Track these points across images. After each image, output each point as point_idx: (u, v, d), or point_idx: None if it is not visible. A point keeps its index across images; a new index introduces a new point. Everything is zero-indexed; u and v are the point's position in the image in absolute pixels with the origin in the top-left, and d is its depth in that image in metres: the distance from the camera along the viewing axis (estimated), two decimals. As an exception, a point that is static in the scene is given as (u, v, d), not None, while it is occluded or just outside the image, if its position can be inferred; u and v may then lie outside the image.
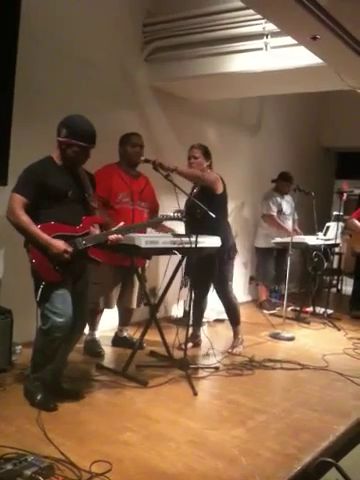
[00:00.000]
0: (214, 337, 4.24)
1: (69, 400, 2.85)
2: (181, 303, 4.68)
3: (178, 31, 4.30)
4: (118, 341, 4.05)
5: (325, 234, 5.66)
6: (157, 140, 4.75)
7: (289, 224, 5.34)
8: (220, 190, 3.90)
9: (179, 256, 3.47)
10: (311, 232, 5.54)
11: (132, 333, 4.00)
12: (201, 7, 4.14)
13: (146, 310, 3.74)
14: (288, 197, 5.88)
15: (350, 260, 6.65)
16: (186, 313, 4.02)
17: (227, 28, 4.03)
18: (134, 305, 3.95)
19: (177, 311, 4.50)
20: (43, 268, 2.70)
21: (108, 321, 4.12)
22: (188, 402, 3.05)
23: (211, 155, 3.99)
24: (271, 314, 5.60)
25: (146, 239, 3.21)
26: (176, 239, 3.38)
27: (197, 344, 4.18)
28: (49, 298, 2.70)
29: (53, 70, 3.78)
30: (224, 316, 4.43)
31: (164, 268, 3.60)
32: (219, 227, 3.81)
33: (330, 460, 2.40)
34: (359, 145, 7.24)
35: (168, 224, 3.77)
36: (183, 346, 3.53)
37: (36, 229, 2.66)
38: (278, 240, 5.48)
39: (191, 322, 3.91)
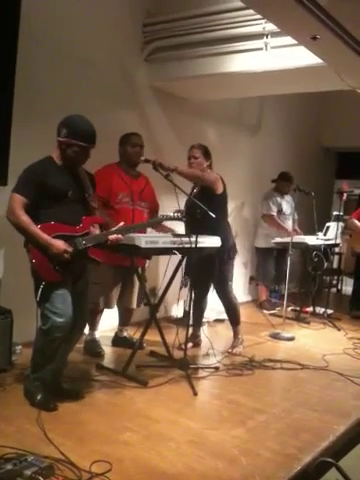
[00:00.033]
0: (214, 337, 4.24)
1: (69, 400, 2.85)
2: (181, 303, 4.68)
3: (178, 31, 4.30)
4: (118, 341, 4.05)
5: (325, 234, 5.66)
6: (157, 140, 4.75)
7: (289, 224, 5.34)
8: (220, 190, 3.90)
9: (179, 256, 3.47)
10: (311, 232, 5.54)
11: (132, 333, 4.00)
12: (201, 7, 4.14)
13: (146, 310, 3.74)
14: (288, 197, 5.88)
15: (350, 260, 6.65)
16: (186, 313, 4.02)
17: (227, 28, 4.03)
18: (134, 305, 3.95)
19: (177, 311, 4.50)
20: (43, 268, 2.70)
21: (108, 321, 4.12)
22: (188, 402, 3.05)
23: (211, 155, 3.99)
24: (271, 314, 5.61)
25: (146, 239, 3.21)
26: (176, 239, 3.38)
27: (197, 344, 4.18)
28: (49, 298, 2.70)
29: (53, 70, 3.78)
30: (224, 316, 4.43)
31: (164, 268, 3.60)
32: (219, 227, 3.81)
33: (330, 460, 2.40)
34: (359, 145, 7.24)
35: (168, 224, 3.77)
36: (183, 346, 3.53)
37: (36, 229, 2.66)
38: (278, 240, 5.48)
39: (191, 322, 3.91)
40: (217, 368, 3.62)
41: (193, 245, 3.32)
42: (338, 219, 5.74)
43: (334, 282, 7.19)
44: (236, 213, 6.04)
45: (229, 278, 4.02)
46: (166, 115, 4.93)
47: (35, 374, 2.83)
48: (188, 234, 3.44)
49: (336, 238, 5.73)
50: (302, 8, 2.66)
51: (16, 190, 2.70)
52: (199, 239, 3.36)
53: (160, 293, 3.70)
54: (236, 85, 4.68)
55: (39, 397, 2.75)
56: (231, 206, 4.56)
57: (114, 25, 4.27)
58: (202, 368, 3.61)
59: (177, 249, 3.35)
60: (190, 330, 3.79)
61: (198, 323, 4.21)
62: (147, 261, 3.87)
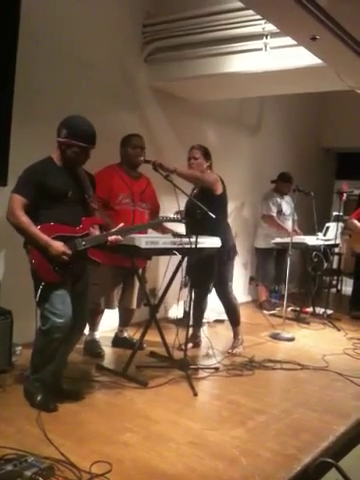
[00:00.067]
0: (214, 337, 4.24)
1: (69, 401, 2.85)
2: (181, 304, 4.68)
3: (178, 31, 4.30)
4: (118, 342, 4.05)
5: (325, 234, 5.66)
6: (157, 140, 4.75)
7: (289, 224, 5.34)
8: (220, 191, 3.90)
9: (179, 257, 3.47)
10: (311, 232, 5.54)
11: (132, 334, 4.00)
12: (201, 8, 4.13)
13: (146, 310, 3.74)
14: (288, 197, 5.88)
15: (350, 260, 6.65)
16: (186, 314, 4.02)
17: (227, 28, 4.03)
18: (134, 305, 3.95)
19: (177, 312, 4.50)
20: (43, 269, 2.70)
21: (108, 322, 4.12)
22: (188, 402, 3.05)
23: (211, 156, 3.99)
24: (271, 314, 5.61)
25: (146, 239, 3.22)
26: (176, 239, 3.38)
27: (197, 344, 4.18)
28: (48, 299, 2.70)
29: (53, 70, 3.78)
30: (224, 316, 4.43)
31: (164, 269, 3.60)
32: (219, 228, 3.81)
33: (330, 460, 2.40)
34: (359, 145, 7.24)
35: (168, 225, 3.77)
36: (183, 346, 3.53)
37: (36, 230, 2.66)
38: (278, 240, 5.48)
39: (191, 322, 3.91)
40: (217, 368, 3.62)
41: (193, 246, 3.32)
42: (338, 219, 5.74)
43: (334, 282, 7.19)
44: (236, 213, 6.04)
45: (229, 279, 4.02)
46: (166, 115, 4.93)
47: (35, 375, 2.82)
48: (188, 235, 3.44)
49: (336, 238, 5.73)
50: (301, 8, 2.66)
51: (16, 190, 2.70)
52: (199, 240, 3.36)
53: (160, 294, 3.70)
54: (236, 85, 4.68)
55: (39, 398, 2.75)
56: (231, 206, 4.57)
57: (114, 25, 4.27)
58: (202, 368, 3.61)
59: (177, 250, 3.35)
60: (190, 330, 3.79)
61: (198, 323, 4.21)
62: (147, 262, 3.87)
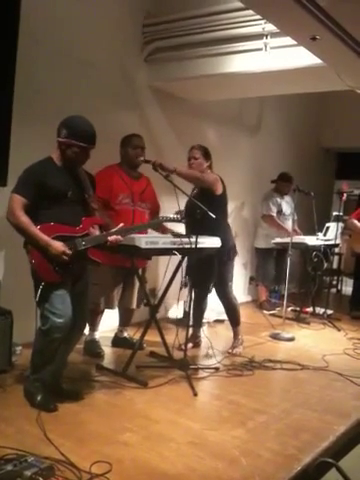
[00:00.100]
0: (214, 337, 4.24)
1: (69, 401, 2.85)
2: (181, 304, 4.68)
3: (178, 31, 4.29)
4: (118, 342, 4.05)
5: (325, 234, 5.66)
6: (157, 140, 4.75)
7: (289, 224, 5.34)
8: (220, 191, 3.90)
9: (179, 257, 3.47)
10: (311, 232, 5.54)
11: (132, 334, 4.00)
12: (201, 8, 4.14)
13: (146, 311, 3.74)
14: (288, 198, 5.88)
15: (350, 260, 6.65)
16: (186, 314, 4.02)
17: (227, 28, 4.02)
18: (134, 305, 3.94)
19: (177, 312, 4.50)
20: (43, 269, 2.70)
21: (108, 322, 4.12)
22: (188, 403, 3.05)
23: (211, 156, 3.99)
24: (271, 314, 5.61)
25: (146, 239, 3.22)
26: (176, 239, 3.38)
27: (197, 344, 4.18)
28: (48, 298, 2.70)
29: (53, 70, 3.78)
30: (224, 317, 4.43)
31: (164, 269, 3.60)
32: (219, 228, 3.81)
33: (330, 460, 2.40)
34: (359, 145, 7.24)
35: (169, 225, 3.77)
36: (183, 346, 3.53)
37: (36, 230, 2.66)
38: (278, 240, 5.48)
39: (191, 322, 3.91)
40: (217, 368, 3.62)
41: (193, 246, 3.32)
42: (338, 219, 5.74)
43: (334, 282, 7.19)
44: (236, 213, 6.04)
45: (229, 279, 4.02)
46: (166, 115, 4.93)
47: (35, 375, 2.82)
48: (188, 235, 3.44)
49: (336, 238, 5.73)
50: (301, 8, 2.66)
51: (16, 191, 2.70)
52: (199, 240, 3.36)
53: (160, 294, 3.70)
54: (236, 85, 4.68)
55: (39, 398, 2.75)
56: (231, 206, 4.57)
57: (114, 25, 4.27)
58: (202, 368, 3.61)
59: (177, 250, 3.35)
60: (190, 330, 3.79)
61: (198, 323, 4.21)
62: (147, 262, 3.86)
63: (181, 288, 3.56)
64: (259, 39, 3.90)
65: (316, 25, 2.85)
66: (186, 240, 3.34)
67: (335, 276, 7.28)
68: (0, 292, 3.45)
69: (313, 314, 5.60)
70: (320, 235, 5.59)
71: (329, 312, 5.53)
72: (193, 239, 3.32)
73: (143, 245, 3.16)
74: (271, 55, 3.89)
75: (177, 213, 3.56)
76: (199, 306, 4.13)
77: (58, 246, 2.65)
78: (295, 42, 3.43)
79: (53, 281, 2.70)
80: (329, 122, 7.69)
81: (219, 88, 4.74)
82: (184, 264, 3.60)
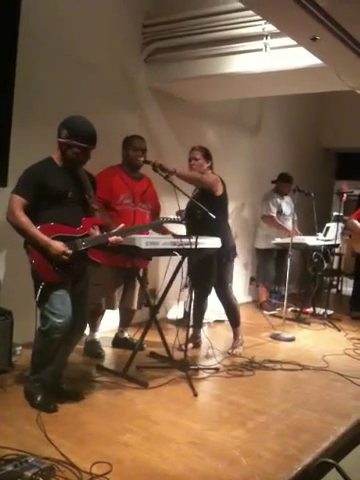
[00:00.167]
0: (214, 338, 4.24)
1: (69, 401, 2.85)
2: (181, 304, 4.67)
3: (178, 32, 4.30)
4: (118, 342, 4.05)
5: (325, 235, 5.66)
6: (157, 141, 4.75)
7: (289, 225, 5.34)
8: (220, 191, 3.90)
9: (179, 257, 3.47)
10: (311, 233, 5.54)
11: (132, 334, 4.00)
12: (200, 8, 4.14)
13: (146, 311, 3.73)
14: (288, 198, 5.88)
15: (350, 261, 6.65)
16: (186, 314, 4.02)
17: (227, 29, 4.03)
18: (135, 306, 3.94)
19: (177, 312, 4.50)
20: (43, 269, 2.70)
21: (108, 322, 4.12)
22: (188, 403, 3.05)
23: (212, 157, 3.99)
24: (271, 315, 5.60)
25: (146, 240, 3.21)
26: (176, 240, 3.38)
27: (197, 345, 4.18)
28: (48, 299, 2.70)
29: (53, 70, 3.78)
30: (224, 317, 4.43)
31: (164, 269, 3.60)
32: (219, 228, 3.80)
33: (330, 461, 2.40)
34: (359, 145, 7.24)
35: (169, 226, 3.76)
36: (183, 347, 3.53)
37: (36, 230, 2.66)
38: (278, 241, 5.48)
39: (191, 323, 3.91)
40: (217, 369, 3.61)
41: (193, 246, 3.32)
42: (338, 220, 5.74)
43: (334, 283, 7.19)
44: (236, 214, 6.04)
45: (229, 280, 4.02)
46: (166, 116, 4.93)
47: (35, 375, 2.82)
48: (188, 235, 3.44)
49: (336, 239, 5.73)
50: (301, 9, 2.67)
51: (16, 191, 2.70)
52: (199, 240, 3.36)
53: (160, 294, 3.70)
54: (236, 86, 4.68)
55: (39, 398, 2.74)
56: (231, 207, 4.57)
57: (114, 26, 4.28)
58: (202, 369, 3.61)
59: (177, 250, 3.35)
60: (190, 331, 3.79)
61: (198, 324, 4.21)
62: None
63: (181, 289, 3.56)
64: (259, 39, 3.91)
65: (316, 25, 2.85)
66: (186, 240, 3.34)
67: (335, 276, 7.28)
68: (0, 292, 3.45)
69: (313, 314, 5.60)
70: (320, 235, 5.59)
71: (329, 312, 5.53)
72: (193, 239, 3.32)
73: (143, 245, 3.16)
74: (271, 55, 3.89)
75: (178, 213, 3.56)
76: (199, 306, 4.13)
77: (58, 246, 2.65)
78: (295, 42, 3.43)
79: (53, 281, 2.70)
80: (329, 122, 7.69)
81: (219, 88, 4.74)
82: (185, 265, 3.60)
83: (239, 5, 3.66)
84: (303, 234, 5.62)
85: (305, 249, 5.42)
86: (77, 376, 3.22)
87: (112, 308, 3.86)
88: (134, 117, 4.56)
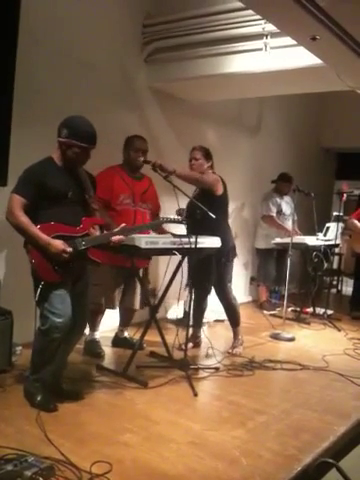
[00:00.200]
0: (214, 338, 4.24)
1: (69, 401, 2.85)
2: (181, 304, 4.68)
3: (177, 32, 4.29)
4: (118, 342, 4.05)
5: (325, 235, 5.66)
6: (157, 141, 4.74)
7: (289, 225, 5.34)
8: (220, 191, 3.90)
9: (179, 257, 3.47)
10: (311, 233, 5.54)
11: (132, 334, 4.00)
12: (200, 8, 4.13)
13: (146, 311, 3.74)
14: (287, 198, 5.88)
15: (350, 261, 6.65)
16: (186, 314, 4.02)
17: (227, 29, 4.03)
18: (137, 306, 3.94)
19: (177, 312, 4.51)
20: (42, 268, 2.70)
21: (108, 322, 4.12)
22: (188, 403, 3.04)
23: (212, 156, 3.99)
24: (271, 315, 5.60)
25: (146, 239, 3.21)
26: (176, 239, 3.38)
27: (197, 345, 4.18)
28: (48, 298, 2.70)
29: (53, 70, 3.78)
30: (224, 317, 4.42)
31: (164, 269, 3.60)
32: (219, 228, 3.80)
33: (330, 461, 2.40)
34: (359, 145, 7.24)
35: (169, 227, 3.76)
36: (183, 347, 3.53)
37: (35, 230, 2.66)
38: (278, 241, 5.48)
39: (191, 322, 3.91)
40: (217, 369, 3.61)
41: (193, 246, 3.31)
42: (338, 220, 5.74)
43: (334, 283, 7.19)
44: (236, 214, 6.04)
45: (228, 279, 4.01)
46: (165, 116, 4.93)
47: (35, 375, 2.82)
48: (188, 235, 3.44)
49: (336, 239, 5.73)
50: (301, 9, 2.66)
51: (15, 191, 2.70)
52: (199, 240, 3.36)
53: (160, 294, 3.70)
54: (236, 86, 4.68)
55: (39, 398, 2.75)
56: (231, 207, 4.56)
57: (114, 26, 4.28)
58: (202, 369, 3.61)
59: (177, 250, 3.35)
60: (190, 330, 3.79)
61: (198, 324, 4.21)
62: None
63: (184, 288, 3.55)
64: (259, 39, 3.90)
65: (316, 25, 2.85)
66: (186, 240, 3.34)
67: (335, 276, 7.28)
68: (0, 292, 3.45)
69: (313, 314, 5.60)
70: (320, 235, 5.59)
71: (329, 312, 5.52)
72: (193, 239, 3.32)
73: (143, 245, 3.16)
74: (271, 55, 3.89)
75: (178, 212, 3.56)
76: (199, 306, 4.13)
77: (58, 244, 2.65)
78: (295, 42, 3.43)
79: (53, 281, 2.70)
80: (329, 122, 7.69)
81: (219, 88, 4.74)
82: (185, 264, 3.60)
83: (239, 5, 3.66)
84: (303, 234, 5.63)
85: (305, 249, 5.42)
86: (77, 376, 3.22)
87: (112, 308, 3.86)
88: (134, 117, 4.56)
